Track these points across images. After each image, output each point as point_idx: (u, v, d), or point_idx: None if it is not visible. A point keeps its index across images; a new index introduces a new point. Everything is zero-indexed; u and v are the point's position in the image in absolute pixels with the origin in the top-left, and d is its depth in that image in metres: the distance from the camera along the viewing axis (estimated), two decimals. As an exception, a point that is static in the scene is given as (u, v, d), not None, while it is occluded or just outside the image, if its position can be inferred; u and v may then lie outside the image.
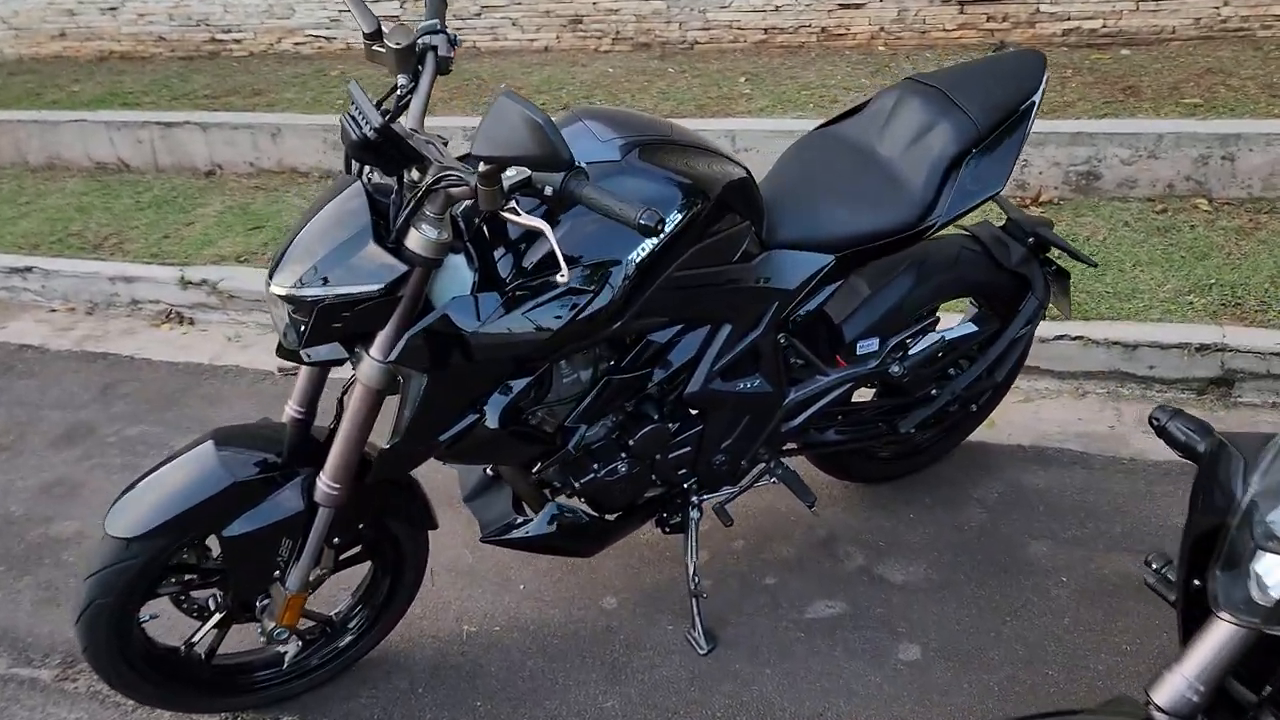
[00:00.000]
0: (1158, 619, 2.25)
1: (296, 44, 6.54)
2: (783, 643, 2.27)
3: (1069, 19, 5.17)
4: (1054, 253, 2.49)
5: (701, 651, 2.25)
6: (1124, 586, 2.35)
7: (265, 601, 1.99)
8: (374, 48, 1.85)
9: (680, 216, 1.79)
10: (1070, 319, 2.76)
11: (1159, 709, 1.22)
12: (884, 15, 5.39)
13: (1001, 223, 2.49)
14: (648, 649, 2.29)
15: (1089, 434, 2.92)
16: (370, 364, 1.72)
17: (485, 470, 2.20)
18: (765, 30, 5.59)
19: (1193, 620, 1.38)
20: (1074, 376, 3.12)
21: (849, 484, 2.72)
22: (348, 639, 2.21)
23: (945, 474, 2.77)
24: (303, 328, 1.68)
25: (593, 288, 1.74)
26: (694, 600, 2.28)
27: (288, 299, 1.67)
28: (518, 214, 1.52)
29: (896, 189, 2.13)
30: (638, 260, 1.78)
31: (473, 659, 2.30)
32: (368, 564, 2.17)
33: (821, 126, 2.36)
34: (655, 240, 1.78)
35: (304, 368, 1.93)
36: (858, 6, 5.41)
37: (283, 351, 1.76)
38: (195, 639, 2.05)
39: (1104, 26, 5.13)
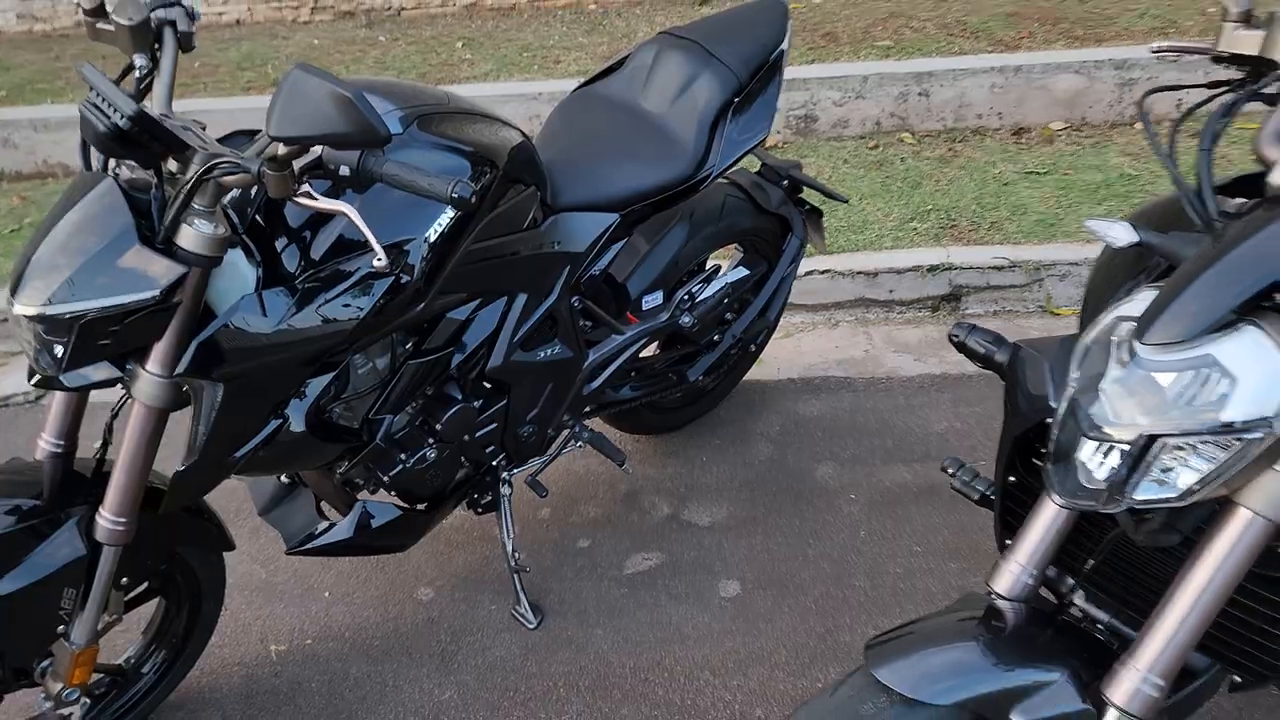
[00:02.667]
0: (935, 518, 2.46)
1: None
2: (609, 601, 2.29)
3: (764, -29, 5.43)
4: (807, 192, 2.63)
5: (530, 625, 2.22)
6: (904, 494, 2.55)
7: (46, 663, 1.75)
8: (98, 25, 1.63)
9: (474, 187, 1.73)
10: (826, 253, 2.92)
11: (1001, 596, 1.33)
12: (592, -27, 5.43)
13: (756, 169, 2.60)
14: (475, 633, 2.23)
15: (847, 359, 3.13)
16: (150, 380, 1.54)
17: (279, 478, 2.04)
18: (475, -7, 5.48)
19: (1010, 514, 1.52)
20: (826, 308, 3.33)
21: (641, 437, 2.77)
22: (143, 684, 1.99)
23: (728, 416, 2.88)
24: (60, 349, 1.48)
25: (392, 270, 1.65)
26: (515, 576, 2.25)
27: (39, 318, 1.46)
28: (314, 198, 1.40)
29: (670, 143, 2.16)
30: (434, 238, 1.70)
31: (289, 678, 2.15)
32: (157, 600, 1.97)
33: (581, 86, 2.34)
34: (451, 215, 1.70)
35: (57, 395, 1.71)
36: (565, -35, 5.41)
37: (39, 380, 1.54)
38: (-39, 721, 1.78)
39: (796, -23, 5.44)
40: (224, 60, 5.02)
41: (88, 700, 1.86)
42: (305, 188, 1.40)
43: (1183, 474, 1.11)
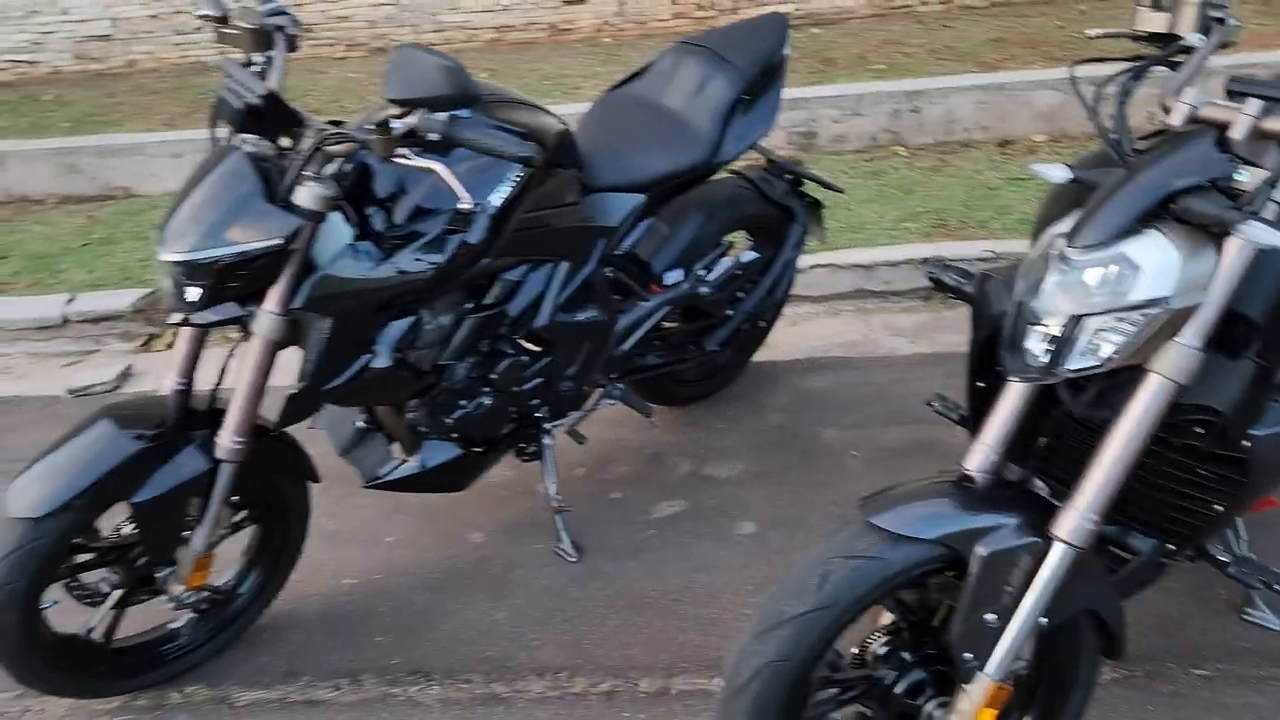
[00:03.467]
0: (929, 468, 2.69)
1: (-8, 71, 6.11)
2: (639, 541, 2.59)
3: (765, 4, 5.84)
4: (808, 186, 2.97)
5: (572, 559, 2.52)
6: (900, 450, 2.85)
7: (167, 571, 2.06)
8: (222, 30, 1.99)
9: (538, 149, 2.04)
10: (824, 242, 3.23)
11: (971, 471, 1.63)
12: (605, 10, 5.84)
13: (763, 164, 2.94)
14: (523, 566, 2.53)
15: (848, 342, 3.44)
16: (268, 317, 1.87)
17: (355, 423, 2.35)
18: (497, 29, 5.88)
19: (980, 416, 1.83)
20: (827, 299, 3.65)
21: (665, 408, 3.08)
22: (241, 603, 2.29)
23: (741, 391, 3.19)
24: (197, 291, 1.81)
25: (463, 229, 1.98)
26: (557, 517, 2.55)
27: (183, 264, 1.79)
28: (409, 158, 1.73)
29: (688, 134, 2.51)
30: (495, 205, 2.03)
31: (361, 604, 2.45)
32: (252, 529, 2.27)
33: (613, 89, 2.69)
34: (511, 185, 2.04)
35: (182, 339, 2.04)
36: (581, 2, 5.82)
37: (178, 319, 1.87)
38: (94, 623, 2.08)
39: (797, 10, 5.84)
40: (266, 92, 5.41)
41: (195, 615, 2.17)
42: (402, 150, 1.74)
43: (1104, 346, 1.42)
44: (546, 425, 2.51)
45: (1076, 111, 4.47)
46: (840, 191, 2.94)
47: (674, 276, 2.69)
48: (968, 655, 1.51)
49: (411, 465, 2.30)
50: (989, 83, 4.48)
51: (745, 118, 2.55)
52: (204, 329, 1.98)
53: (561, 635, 2.31)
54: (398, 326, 2.03)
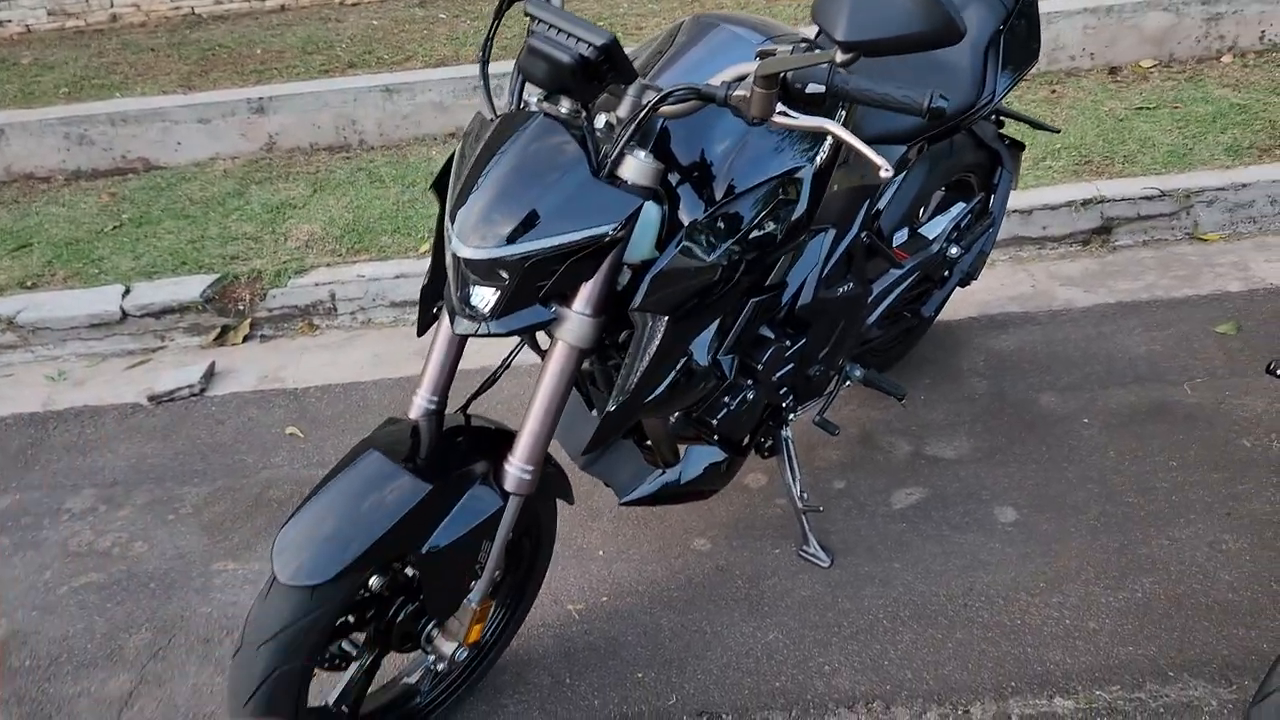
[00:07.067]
0: (1178, 435, 2.51)
1: (-44, 33, 5.44)
2: (892, 537, 2.30)
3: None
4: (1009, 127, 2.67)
5: (825, 564, 2.23)
6: (1136, 414, 2.59)
7: (431, 626, 1.72)
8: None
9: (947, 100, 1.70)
10: (1015, 189, 2.94)
11: None
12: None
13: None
14: (771, 576, 2.23)
15: (1019, 296, 3.17)
16: (580, 321, 1.51)
17: (599, 428, 2.01)
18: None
19: None
20: (980, 248, 3.36)
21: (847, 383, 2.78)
22: (484, 645, 1.96)
23: (929, 355, 2.91)
24: (493, 295, 1.45)
25: (793, 198, 1.64)
26: (803, 517, 2.25)
27: (489, 261, 1.42)
28: (792, 116, 1.38)
29: (949, 73, 2.17)
30: (818, 163, 1.69)
31: (601, 634, 2.12)
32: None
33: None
34: (830, 140, 1.70)
35: (434, 353, 1.68)
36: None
37: (464, 328, 1.50)
38: (345, 691, 1.73)
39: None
40: (285, 46, 4.89)
41: (433, 670, 1.84)
42: (780, 107, 1.38)
43: None
44: (790, 416, 2.20)
45: (1187, 34, 4.23)
46: (1056, 132, 2.64)
47: (900, 237, 2.37)
48: None
49: (671, 475, 1.97)
50: (1098, 5, 4.19)
51: (1010, 50, 2.22)
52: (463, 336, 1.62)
53: (854, 657, 2.02)
54: (711, 321, 1.68)
